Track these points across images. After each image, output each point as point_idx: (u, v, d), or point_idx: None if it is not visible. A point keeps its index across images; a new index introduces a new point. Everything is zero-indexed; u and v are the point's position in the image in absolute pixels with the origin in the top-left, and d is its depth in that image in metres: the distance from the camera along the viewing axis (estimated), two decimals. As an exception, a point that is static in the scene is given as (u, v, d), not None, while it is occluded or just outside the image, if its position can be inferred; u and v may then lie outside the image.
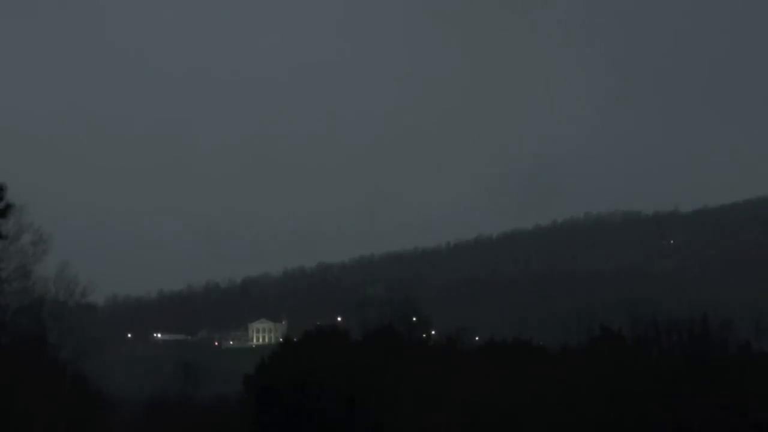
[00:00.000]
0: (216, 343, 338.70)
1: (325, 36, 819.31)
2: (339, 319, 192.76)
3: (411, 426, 78.35)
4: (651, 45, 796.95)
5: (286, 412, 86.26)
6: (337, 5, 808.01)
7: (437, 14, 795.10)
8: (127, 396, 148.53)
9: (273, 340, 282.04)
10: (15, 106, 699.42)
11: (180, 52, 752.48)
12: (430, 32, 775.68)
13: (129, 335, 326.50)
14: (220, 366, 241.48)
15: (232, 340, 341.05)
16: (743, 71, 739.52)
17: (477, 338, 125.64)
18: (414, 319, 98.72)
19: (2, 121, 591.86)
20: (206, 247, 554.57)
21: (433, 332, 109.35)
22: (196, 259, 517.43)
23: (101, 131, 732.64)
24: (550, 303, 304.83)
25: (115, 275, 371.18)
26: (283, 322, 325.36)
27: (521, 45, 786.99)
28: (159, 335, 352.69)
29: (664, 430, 71.21)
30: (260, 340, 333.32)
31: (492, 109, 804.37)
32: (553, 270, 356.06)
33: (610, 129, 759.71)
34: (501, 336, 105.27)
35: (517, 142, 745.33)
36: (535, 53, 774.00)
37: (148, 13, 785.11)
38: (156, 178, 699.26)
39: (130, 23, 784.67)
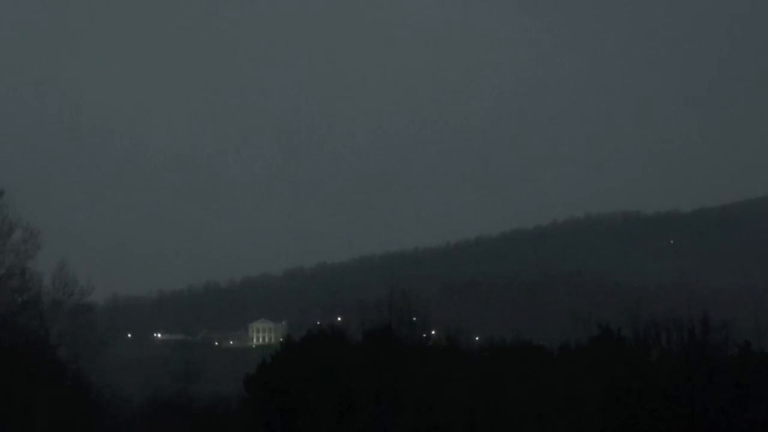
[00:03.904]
0: (216, 343, 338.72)
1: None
2: (339, 319, 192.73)
3: (411, 426, 78.35)
4: (652, 44, 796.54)
5: (286, 412, 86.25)
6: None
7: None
8: (127, 396, 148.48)
9: (273, 340, 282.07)
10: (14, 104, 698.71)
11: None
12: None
13: (129, 335, 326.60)
14: (220, 366, 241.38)
15: (232, 340, 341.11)
16: (743, 70, 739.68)
17: (477, 338, 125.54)
18: (414, 319, 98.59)
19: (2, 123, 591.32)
20: (206, 247, 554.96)
21: (432, 332, 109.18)
22: (196, 259, 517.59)
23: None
24: (549, 303, 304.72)
25: (115, 275, 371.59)
26: (283, 322, 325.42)
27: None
28: (159, 335, 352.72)
29: (663, 430, 71.18)
30: (260, 340, 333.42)
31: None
32: (553, 270, 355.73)
33: (609, 130, 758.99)
34: (501, 336, 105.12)
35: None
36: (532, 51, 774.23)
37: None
38: (156, 177, 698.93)
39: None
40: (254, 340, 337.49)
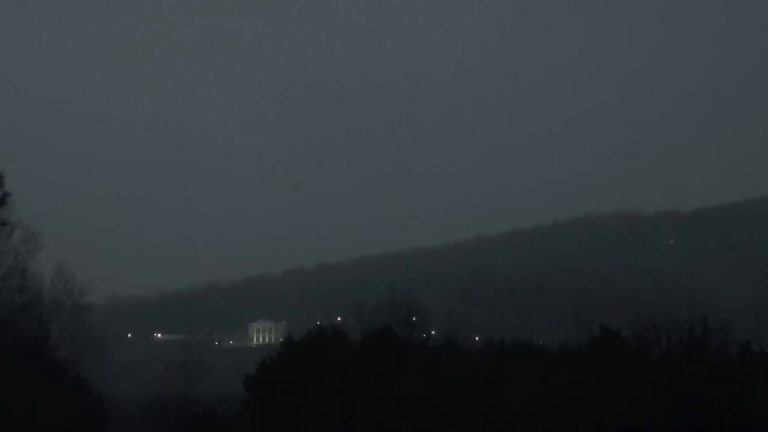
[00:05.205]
0: (216, 343, 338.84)
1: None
2: (339, 319, 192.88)
3: (411, 426, 78.41)
4: (652, 44, 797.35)
5: (287, 412, 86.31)
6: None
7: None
8: (127, 396, 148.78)
9: (273, 340, 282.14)
10: (13, 100, 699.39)
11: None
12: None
13: (129, 335, 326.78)
14: (220, 366, 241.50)
15: (232, 340, 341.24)
16: (743, 68, 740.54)
17: (477, 338, 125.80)
18: (414, 319, 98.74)
19: (2, 120, 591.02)
20: (206, 247, 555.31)
21: (432, 332, 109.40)
22: (196, 259, 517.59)
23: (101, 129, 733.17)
24: (550, 303, 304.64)
25: (115, 275, 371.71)
26: (283, 322, 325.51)
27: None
28: (159, 335, 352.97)
29: (663, 430, 71.25)
30: (260, 340, 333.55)
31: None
32: (553, 270, 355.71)
33: (610, 129, 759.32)
34: (501, 336, 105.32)
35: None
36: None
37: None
38: (157, 178, 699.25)
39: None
40: (254, 340, 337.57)
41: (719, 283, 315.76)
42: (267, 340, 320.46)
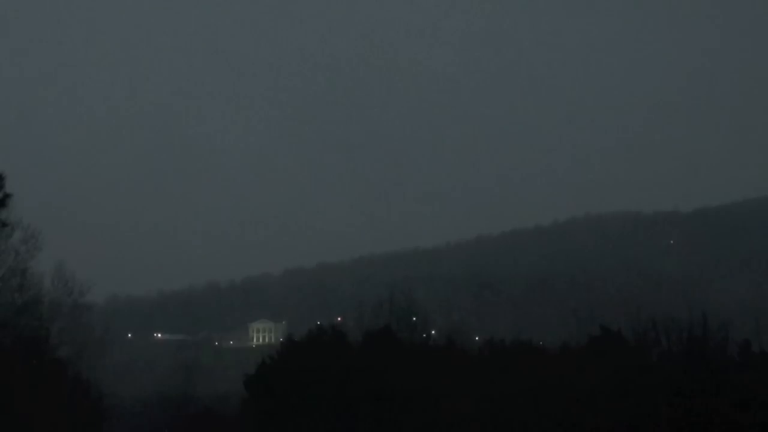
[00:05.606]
0: (216, 343, 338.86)
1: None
2: (339, 319, 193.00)
3: (411, 427, 78.41)
4: (652, 46, 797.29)
5: (286, 412, 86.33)
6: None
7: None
8: (127, 396, 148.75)
9: (273, 340, 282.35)
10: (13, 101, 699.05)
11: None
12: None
13: (129, 335, 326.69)
14: (220, 366, 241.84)
15: (232, 340, 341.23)
16: (743, 69, 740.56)
17: (477, 338, 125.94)
18: (414, 319, 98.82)
19: (2, 120, 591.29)
20: (206, 247, 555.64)
21: (432, 332, 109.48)
22: (196, 259, 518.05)
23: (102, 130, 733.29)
24: (550, 303, 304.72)
25: (115, 275, 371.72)
26: (283, 322, 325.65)
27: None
28: (159, 335, 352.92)
29: (663, 430, 71.23)
30: (260, 340, 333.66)
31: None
32: (554, 270, 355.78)
33: (610, 129, 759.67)
34: (501, 336, 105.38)
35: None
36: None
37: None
38: (157, 178, 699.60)
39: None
40: (254, 340, 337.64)
41: (719, 283, 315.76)
42: (267, 340, 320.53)
